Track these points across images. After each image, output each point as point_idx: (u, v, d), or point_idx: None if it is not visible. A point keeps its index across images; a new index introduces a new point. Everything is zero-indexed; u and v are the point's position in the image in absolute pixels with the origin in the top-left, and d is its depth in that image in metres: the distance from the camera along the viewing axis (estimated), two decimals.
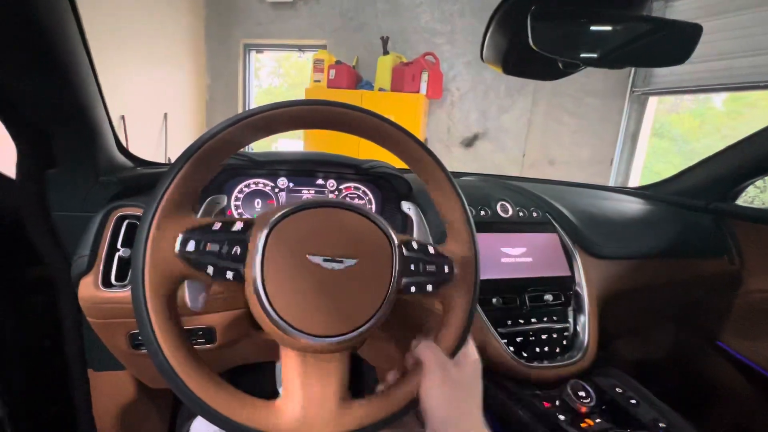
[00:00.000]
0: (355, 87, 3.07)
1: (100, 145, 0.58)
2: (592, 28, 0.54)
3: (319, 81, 3.08)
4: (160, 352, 0.33)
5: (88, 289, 0.52)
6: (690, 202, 0.99)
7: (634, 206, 0.96)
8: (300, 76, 4.37)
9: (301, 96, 3.11)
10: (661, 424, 0.55)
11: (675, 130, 3.04)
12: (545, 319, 0.69)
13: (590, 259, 0.75)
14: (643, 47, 0.54)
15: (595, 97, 2.80)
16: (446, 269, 0.41)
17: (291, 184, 0.69)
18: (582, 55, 0.55)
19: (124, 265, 0.54)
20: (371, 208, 0.73)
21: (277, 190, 0.68)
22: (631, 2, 0.60)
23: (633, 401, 0.59)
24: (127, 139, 2.86)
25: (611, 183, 2.84)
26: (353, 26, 3.31)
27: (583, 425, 0.56)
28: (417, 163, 0.43)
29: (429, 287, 0.40)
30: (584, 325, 0.69)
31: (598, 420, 0.57)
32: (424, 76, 2.85)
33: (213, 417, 0.33)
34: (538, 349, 0.67)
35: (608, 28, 0.55)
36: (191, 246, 0.34)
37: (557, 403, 0.59)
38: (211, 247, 0.34)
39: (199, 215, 0.39)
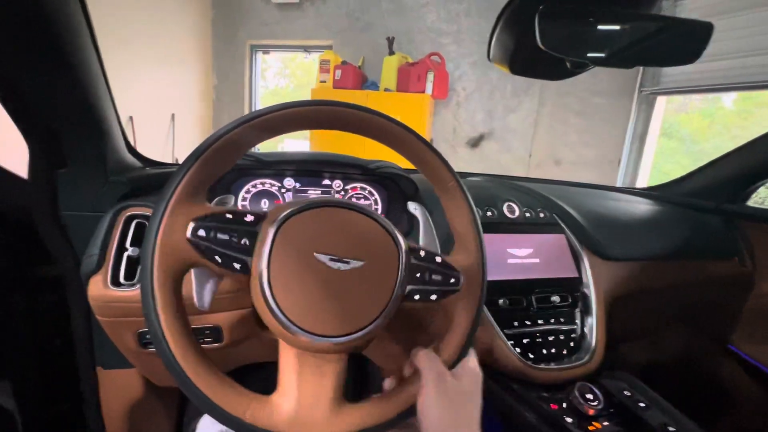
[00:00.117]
0: (360, 87, 3.08)
1: (110, 146, 0.58)
2: (601, 27, 0.54)
3: (324, 81, 3.08)
4: (168, 350, 0.33)
5: (98, 287, 0.52)
6: (700, 203, 0.98)
7: (642, 207, 0.95)
8: (306, 76, 4.39)
9: (307, 96, 3.12)
10: (670, 429, 0.55)
11: (684, 130, 3.01)
12: (552, 320, 0.69)
13: (598, 261, 0.74)
14: (652, 46, 0.53)
15: (603, 96, 2.77)
16: (452, 280, 0.41)
17: (297, 185, 0.69)
18: (590, 55, 0.55)
19: (133, 264, 0.55)
20: (377, 208, 0.73)
21: (283, 190, 0.69)
22: (639, 1, 0.59)
23: (642, 404, 0.59)
24: (135, 139, 2.88)
25: (619, 184, 2.81)
26: (359, 27, 3.31)
27: (590, 428, 0.55)
28: (425, 165, 0.43)
29: (433, 296, 0.40)
30: (592, 327, 0.69)
31: (605, 423, 0.56)
32: (430, 77, 2.84)
33: (214, 411, 0.33)
34: (544, 351, 0.67)
35: (617, 27, 0.54)
36: (202, 232, 0.34)
37: (564, 405, 0.59)
38: (222, 236, 0.34)
39: None
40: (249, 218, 0.36)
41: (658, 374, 0.98)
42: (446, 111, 3.18)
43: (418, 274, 0.39)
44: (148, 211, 0.57)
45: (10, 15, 0.42)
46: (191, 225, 0.34)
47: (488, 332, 0.63)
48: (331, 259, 0.35)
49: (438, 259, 0.41)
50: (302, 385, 0.35)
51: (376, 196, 0.72)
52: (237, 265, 0.35)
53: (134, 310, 0.53)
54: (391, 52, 2.99)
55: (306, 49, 3.64)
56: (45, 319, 0.73)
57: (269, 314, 0.34)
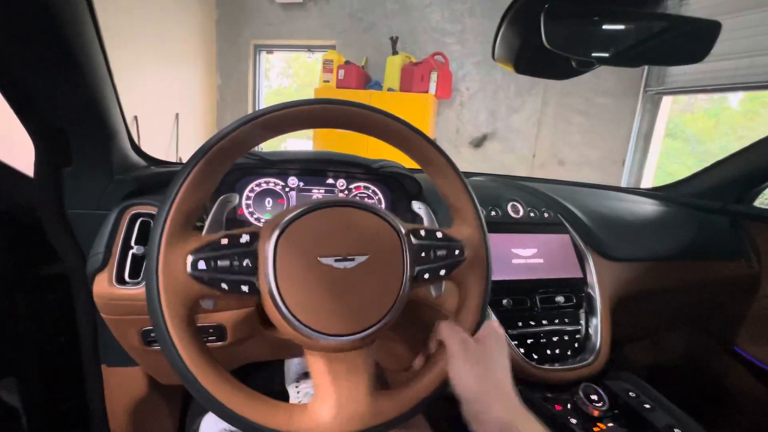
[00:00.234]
0: (364, 87, 3.08)
1: (116, 145, 0.58)
2: (607, 26, 0.54)
3: (328, 81, 3.09)
4: (202, 388, 0.33)
5: (103, 285, 0.53)
6: (706, 203, 0.97)
7: (647, 207, 0.94)
8: (309, 76, 4.39)
9: (310, 96, 3.12)
10: (676, 430, 0.54)
11: (689, 131, 2.99)
12: (556, 321, 0.68)
13: (603, 261, 0.74)
14: (659, 45, 0.53)
15: (607, 96, 2.76)
16: (457, 252, 0.41)
17: (301, 184, 0.69)
18: (596, 54, 0.55)
19: (138, 262, 0.55)
20: (381, 207, 0.73)
21: (287, 189, 0.69)
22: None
23: (647, 405, 0.58)
24: (139, 138, 2.90)
25: (623, 184, 2.80)
26: (363, 26, 3.32)
27: (595, 429, 0.55)
28: (421, 156, 0.43)
29: (442, 272, 0.41)
30: (596, 328, 0.68)
31: (610, 424, 0.56)
32: (434, 76, 2.84)
33: (242, 424, 0.34)
34: (549, 352, 0.66)
35: (623, 26, 0.54)
36: (202, 264, 0.33)
37: (569, 406, 0.58)
38: (222, 263, 0.34)
39: (211, 214, 0.39)
40: (244, 239, 0.35)
41: (663, 375, 0.97)
42: (450, 111, 3.18)
43: (423, 254, 0.40)
44: (152, 210, 0.58)
45: (17, 15, 0.42)
46: (189, 259, 0.33)
47: None
48: (337, 260, 0.35)
49: (439, 235, 0.42)
50: (338, 386, 0.36)
51: (380, 195, 0.72)
52: (245, 288, 0.34)
53: (138, 308, 0.53)
54: (395, 52, 2.99)
55: (309, 48, 3.64)
56: (50, 316, 0.73)
57: (290, 328, 0.34)
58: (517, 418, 0.35)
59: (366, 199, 0.72)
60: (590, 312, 0.70)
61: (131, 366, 0.67)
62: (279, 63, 4.44)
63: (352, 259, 0.36)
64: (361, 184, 0.71)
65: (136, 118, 2.89)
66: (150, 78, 3.08)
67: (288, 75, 4.66)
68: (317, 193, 0.70)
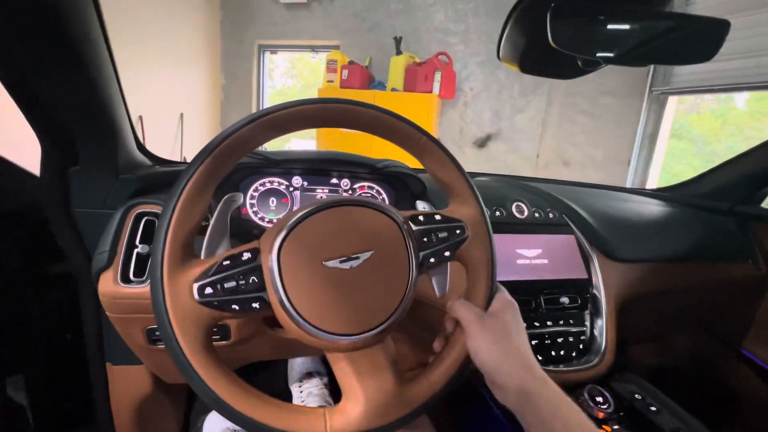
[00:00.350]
0: (367, 87, 3.08)
1: (121, 144, 0.59)
2: (613, 25, 0.53)
3: (332, 81, 3.09)
4: (228, 406, 0.33)
5: (108, 284, 0.53)
6: (713, 204, 0.96)
7: (653, 208, 0.93)
8: (313, 76, 4.40)
9: (314, 96, 3.12)
10: None
11: (695, 131, 2.96)
12: (561, 322, 0.68)
13: (608, 262, 0.73)
14: (666, 44, 0.53)
15: (612, 96, 2.74)
16: (458, 231, 0.42)
17: (305, 183, 0.69)
18: (602, 53, 0.54)
19: (142, 261, 0.55)
20: (377, 201, 0.73)
21: (291, 189, 0.69)
22: None
23: (653, 408, 0.58)
24: (144, 138, 2.92)
25: (628, 185, 2.78)
26: (366, 26, 3.32)
27: None
28: (418, 147, 0.42)
29: (447, 253, 0.41)
30: (602, 329, 0.68)
31: (616, 427, 0.56)
32: (437, 76, 2.83)
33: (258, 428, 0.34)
34: (553, 353, 0.66)
35: (630, 25, 0.54)
36: (209, 290, 0.33)
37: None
38: (229, 284, 0.34)
39: (215, 213, 0.39)
40: (246, 256, 0.35)
41: (669, 378, 0.96)
42: (453, 111, 3.17)
43: (425, 239, 0.40)
44: (157, 209, 0.58)
45: (24, 15, 0.42)
46: (195, 287, 0.33)
47: None
48: (342, 261, 0.36)
49: (438, 217, 0.42)
50: (364, 383, 0.36)
51: (384, 195, 0.72)
52: (256, 305, 0.35)
53: (143, 307, 0.53)
54: (399, 52, 2.99)
55: (313, 49, 3.65)
56: (56, 315, 0.74)
57: (308, 336, 0.35)
58: (537, 384, 0.37)
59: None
60: (595, 313, 0.70)
61: (136, 364, 0.68)
62: (283, 63, 4.46)
63: (357, 258, 0.36)
64: (365, 183, 0.71)
65: (141, 118, 2.91)
66: (156, 78, 3.10)
67: (292, 75, 4.67)
68: (321, 193, 0.70)
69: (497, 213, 0.71)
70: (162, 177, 0.66)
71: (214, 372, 0.33)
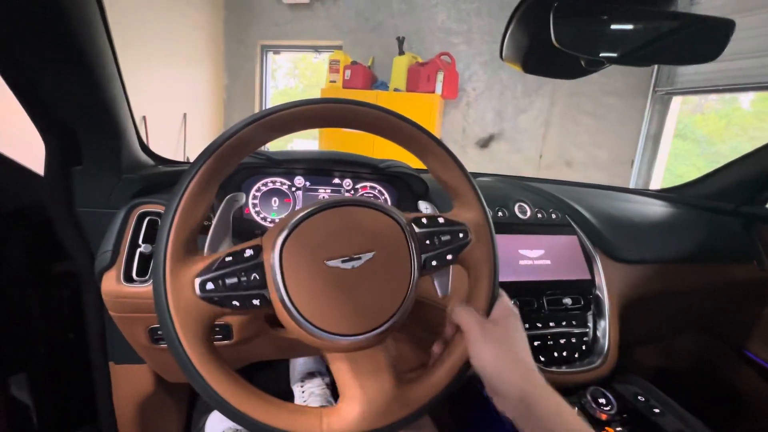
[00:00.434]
0: (370, 87, 3.08)
1: (124, 144, 0.59)
2: (617, 25, 0.53)
3: (334, 81, 3.09)
4: (234, 409, 0.33)
5: (111, 283, 0.53)
6: (717, 205, 0.96)
7: (657, 209, 0.93)
8: (315, 77, 4.41)
9: (316, 96, 3.12)
10: None
11: (699, 132, 2.94)
12: (564, 323, 0.68)
13: (611, 263, 0.73)
14: (670, 44, 0.52)
15: (615, 96, 2.73)
16: (461, 235, 0.42)
17: (308, 183, 0.69)
18: (606, 53, 0.54)
19: (145, 260, 0.55)
20: (380, 202, 0.73)
21: (294, 189, 0.69)
22: None
23: (656, 410, 0.58)
24: (148, 138, 2.93)
25: (632, 186, 2.76)
26: (369, 27, 3.32)
27: None
28: (420, 147, 0.43)
29: (449, 256, 0.41)
30: (604, 331, 0.67)
31: (619, 428, 0.55)
32: (440, 76, 2.83)
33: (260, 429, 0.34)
34: (556, 354, 0.66)
35: (634, 25, 0.53)
36: (210, 285, 0.34)
37: (576, 409, 0.58)
38: (230, 280, 0.34)
39: (218, 213, 0.39)
40: (248, 253, 0.35)
41: (672, 379, 0.96)
42: (456, 111, 3.17)
43: (428, 241, 0.40)
44: (160, 208, 0.58)
45: (28, 15, 0.42)
46: (197, 282, 0.34)
47: None
48: (344, 261, 0.36)
49: (441, 220, 0.42)
50: (363, 384, 0.36)
51: (386, 195, 0.72)
52: (256, 302, 0.35)
53: (146, 306, 0.54)
54: (401, 52, 2.99)
55: (316, 49, 3.65)
56: (59, 314, 0.74)
57: (309, 335, 0.35)
58: (536, 391, 0.36)
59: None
60: (598, 314, 0.69)
61: (138, 363, 0.68)
62: (286, 64, 4.47)
63: (359, 258, 0.36)
64: (368, 183, 0.71)
65: (144, 118, 2.92)
66: (159, 78, 3.11)
67: (294, 75, 4.68)
68: (323, 193, 0.70)
69: (500, 213, 0.71)
70: (165, 177, 0.66)
71: (213, 369, 0.33)
